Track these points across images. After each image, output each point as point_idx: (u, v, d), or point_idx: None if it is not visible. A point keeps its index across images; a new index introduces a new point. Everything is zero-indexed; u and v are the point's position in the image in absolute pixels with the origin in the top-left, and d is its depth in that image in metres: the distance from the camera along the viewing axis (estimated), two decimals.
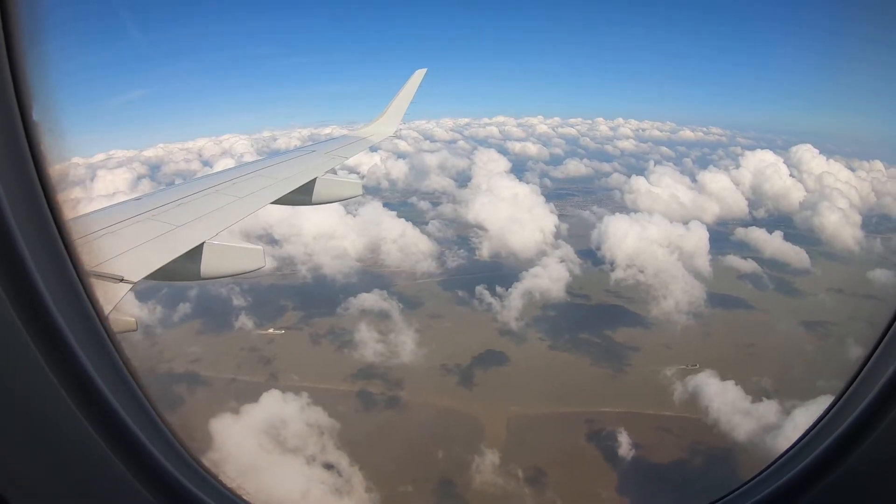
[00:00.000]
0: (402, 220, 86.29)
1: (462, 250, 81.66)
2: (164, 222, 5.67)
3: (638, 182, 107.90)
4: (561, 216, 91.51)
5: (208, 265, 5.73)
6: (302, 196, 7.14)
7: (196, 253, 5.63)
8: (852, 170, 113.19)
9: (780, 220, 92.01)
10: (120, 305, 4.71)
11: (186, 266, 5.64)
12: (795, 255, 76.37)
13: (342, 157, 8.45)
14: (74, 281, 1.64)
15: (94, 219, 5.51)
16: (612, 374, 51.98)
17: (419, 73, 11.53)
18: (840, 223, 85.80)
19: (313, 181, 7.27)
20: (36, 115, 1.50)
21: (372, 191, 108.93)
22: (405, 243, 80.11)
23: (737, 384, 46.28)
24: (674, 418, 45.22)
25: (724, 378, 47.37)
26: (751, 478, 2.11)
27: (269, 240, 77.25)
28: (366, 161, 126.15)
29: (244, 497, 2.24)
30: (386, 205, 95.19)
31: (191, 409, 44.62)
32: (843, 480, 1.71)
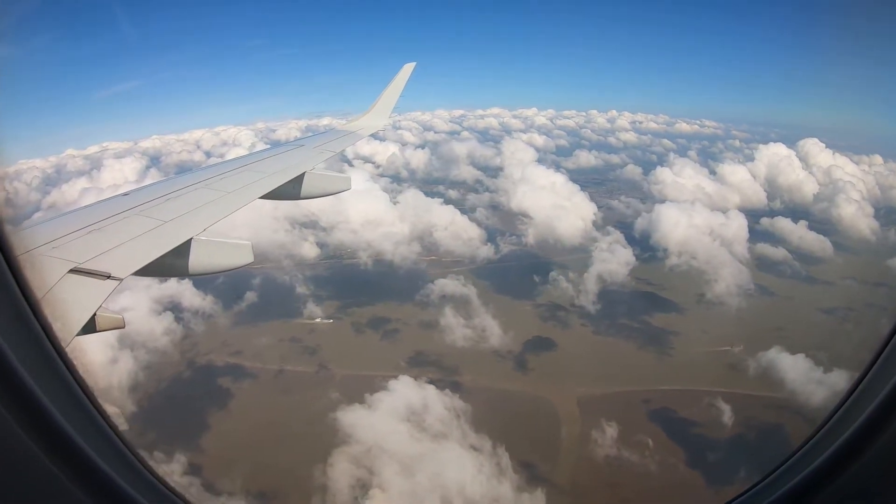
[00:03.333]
0: (451, 207, 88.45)
1: (508, 237, 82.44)
2: (151, 218, 5.71)
3: (663, 173, 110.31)
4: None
5: (196, 261, 5.74)
6: (291, 190, 7.11)
7: (184, 249, 5.64)
8: (855, 164, 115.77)
9: (796, 212, 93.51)
10: (107, 303, 4.75)
11: (175, 262, 5.67)
12: (820, 244, 78.92)
13: (331, 151, 8.38)
14: (15, 293, 1.58)
15: (81, 215, 5.60)
16: (658, 356, 53.88)
17: (408, 67, 11.48)
18: (856, 215, 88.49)
19: (302, 175, 7.24)
20: None
21: (394, 180, 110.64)
22: (455, 230, 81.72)
23: (788, 361, 48.24)
24: (727, 394, 46.80)
25: (772, 356, 49.43)
26: (760, 479, 2.09)
27: (317, 227, 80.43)
28: (381, 150, 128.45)
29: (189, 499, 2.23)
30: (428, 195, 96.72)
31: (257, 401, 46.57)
32: (855, 480, 1.65)
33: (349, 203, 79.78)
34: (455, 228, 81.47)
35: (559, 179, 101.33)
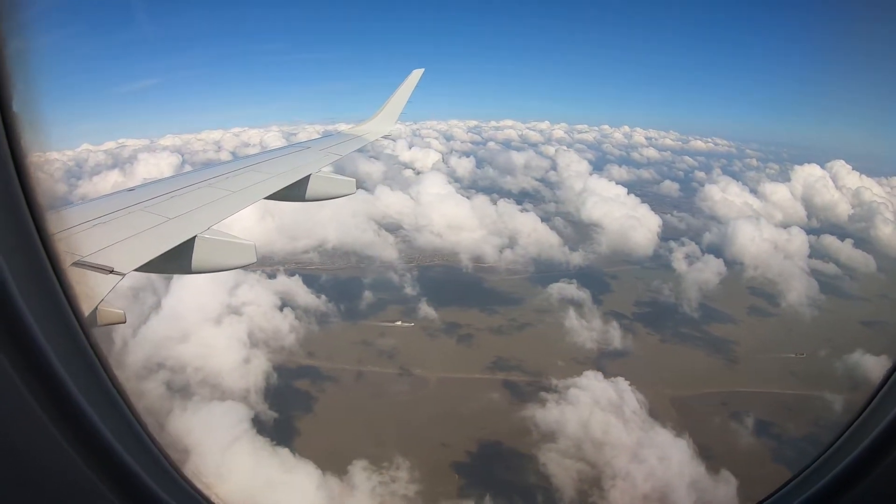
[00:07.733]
0: (533, 215, 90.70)
1: (583, 246, 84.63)
2: (156, 214, 5.69)
3: (711, 190, 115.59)
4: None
5: (200, 259, 5.72)
6: (296, 192, 7.16)
7: (188, 246, 5.63)
8: (880, 185, 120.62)
9: (833, 230, 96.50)
10: (109, 297, 4.71)
11: (178, 259, 5.64)
12: (864, 260, 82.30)
13: (337, 154, 8.50)
14: (51, 279, 1.57)
15: (86, 209, 5.54)
16: (727, 364, 56.17)
17: (416, 73, 11.43)
18: (894, 234, 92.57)
19: (307, 178, 7.31)
20: (15, 106, 1.44)
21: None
22: (537, 238, 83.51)
23: (870, 362, 49.76)
24: (800, 396, 50.11)
25: (856, 358, 51.91)
26: (786, 482, 2.09)
27: (400, 229, 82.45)
28: (420, 157, 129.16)
29: None
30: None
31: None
32: (878, 485, 1.63)
33: (433, 207, 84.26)
34: (537, 236, 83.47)
35: (621, 191, 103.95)
